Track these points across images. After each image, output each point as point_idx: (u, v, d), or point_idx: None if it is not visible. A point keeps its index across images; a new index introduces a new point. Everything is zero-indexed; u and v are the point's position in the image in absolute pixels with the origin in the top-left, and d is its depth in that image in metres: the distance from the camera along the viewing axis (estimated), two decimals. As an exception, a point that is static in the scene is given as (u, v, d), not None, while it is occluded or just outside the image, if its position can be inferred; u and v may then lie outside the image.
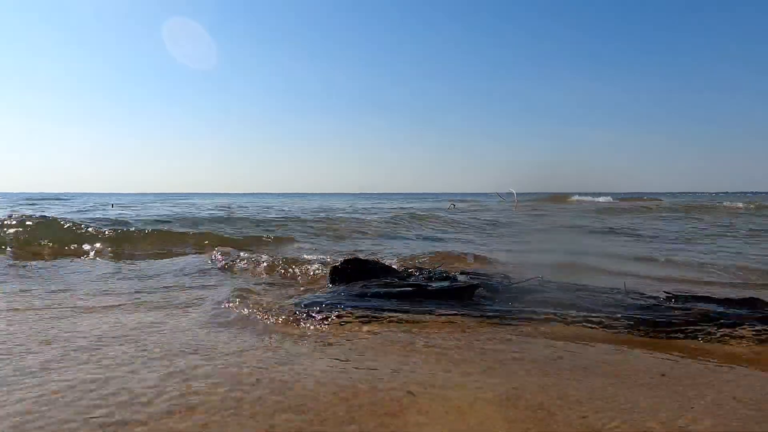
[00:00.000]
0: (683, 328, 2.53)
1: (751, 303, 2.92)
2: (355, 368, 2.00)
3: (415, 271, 3.84)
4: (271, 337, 2.41)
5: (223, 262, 4.70)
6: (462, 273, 3.85)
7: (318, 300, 2.92)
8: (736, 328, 2.48)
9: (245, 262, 4.62)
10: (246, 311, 2.82)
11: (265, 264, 4.47)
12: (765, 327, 2.48)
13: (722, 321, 2.57)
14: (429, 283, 3.18)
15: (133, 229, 7.24)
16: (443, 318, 2.70)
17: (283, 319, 2.65)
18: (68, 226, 6.80)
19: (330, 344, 2.33)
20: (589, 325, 2.63)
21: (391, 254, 5.68)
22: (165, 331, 2.49)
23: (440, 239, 8.54)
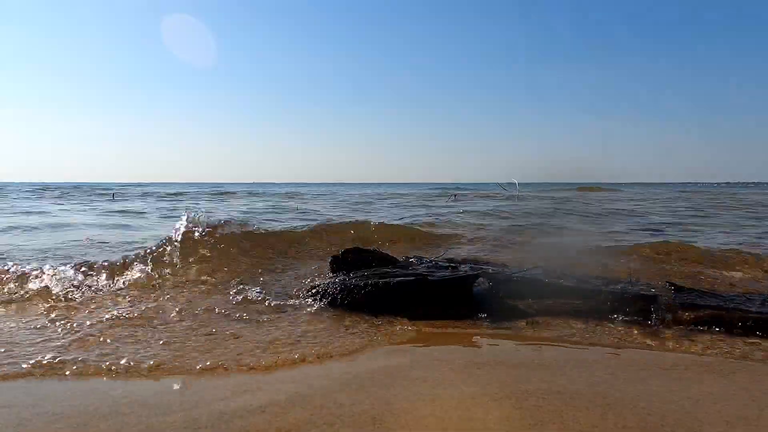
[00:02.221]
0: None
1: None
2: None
3: (416, 260, 3.79)
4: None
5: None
6: (463, 262, 3.81)
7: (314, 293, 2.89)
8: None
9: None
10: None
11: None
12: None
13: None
14: (430, 273, 3.14)
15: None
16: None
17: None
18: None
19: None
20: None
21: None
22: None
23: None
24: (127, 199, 18.09)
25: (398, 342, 2.29)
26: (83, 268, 3.37)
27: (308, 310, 2.82)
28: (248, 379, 1.81)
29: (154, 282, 3.40)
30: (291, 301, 3.02)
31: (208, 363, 1.94)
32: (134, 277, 3.39)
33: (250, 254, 4.29)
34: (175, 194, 23.88)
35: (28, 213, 10.42)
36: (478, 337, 2.39)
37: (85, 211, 11.45)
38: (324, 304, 2.88)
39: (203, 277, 3.59)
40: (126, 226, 7.92)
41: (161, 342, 2.17)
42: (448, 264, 3.61)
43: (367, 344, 2.25)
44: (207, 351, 2.09)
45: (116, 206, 13.17)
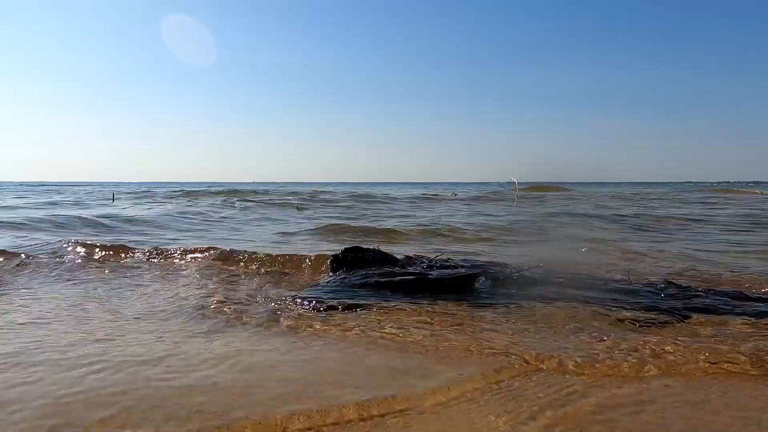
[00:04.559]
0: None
1: None
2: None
3: (416, 259, 3.80)
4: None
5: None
6: (464, 261, 3.82)
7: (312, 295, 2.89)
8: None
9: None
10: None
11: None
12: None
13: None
14: (430, 272, 3.15)
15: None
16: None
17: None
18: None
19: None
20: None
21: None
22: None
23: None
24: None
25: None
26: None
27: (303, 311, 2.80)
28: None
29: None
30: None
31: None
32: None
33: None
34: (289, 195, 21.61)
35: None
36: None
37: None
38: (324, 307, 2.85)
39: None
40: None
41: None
42: (448, 263, 3.62)
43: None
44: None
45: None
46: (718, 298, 2.84)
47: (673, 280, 3.28)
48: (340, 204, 14.89)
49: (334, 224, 7.47)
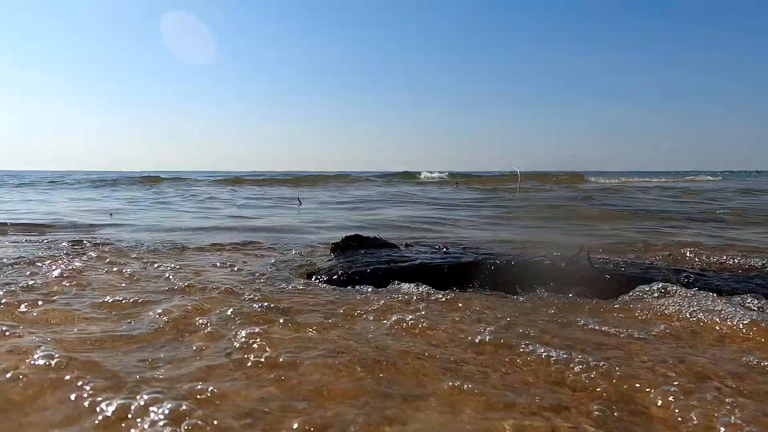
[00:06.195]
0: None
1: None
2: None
3: (416, 246, 3.76)
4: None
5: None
6: (467, 248, 3.77)
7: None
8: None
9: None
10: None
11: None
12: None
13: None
14: (433, 259, 3.09)
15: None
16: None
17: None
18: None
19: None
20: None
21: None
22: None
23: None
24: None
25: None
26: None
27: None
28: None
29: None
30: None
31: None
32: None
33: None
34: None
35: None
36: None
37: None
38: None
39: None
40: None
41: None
42: (447, 249, 3.57)
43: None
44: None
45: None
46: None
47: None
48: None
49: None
